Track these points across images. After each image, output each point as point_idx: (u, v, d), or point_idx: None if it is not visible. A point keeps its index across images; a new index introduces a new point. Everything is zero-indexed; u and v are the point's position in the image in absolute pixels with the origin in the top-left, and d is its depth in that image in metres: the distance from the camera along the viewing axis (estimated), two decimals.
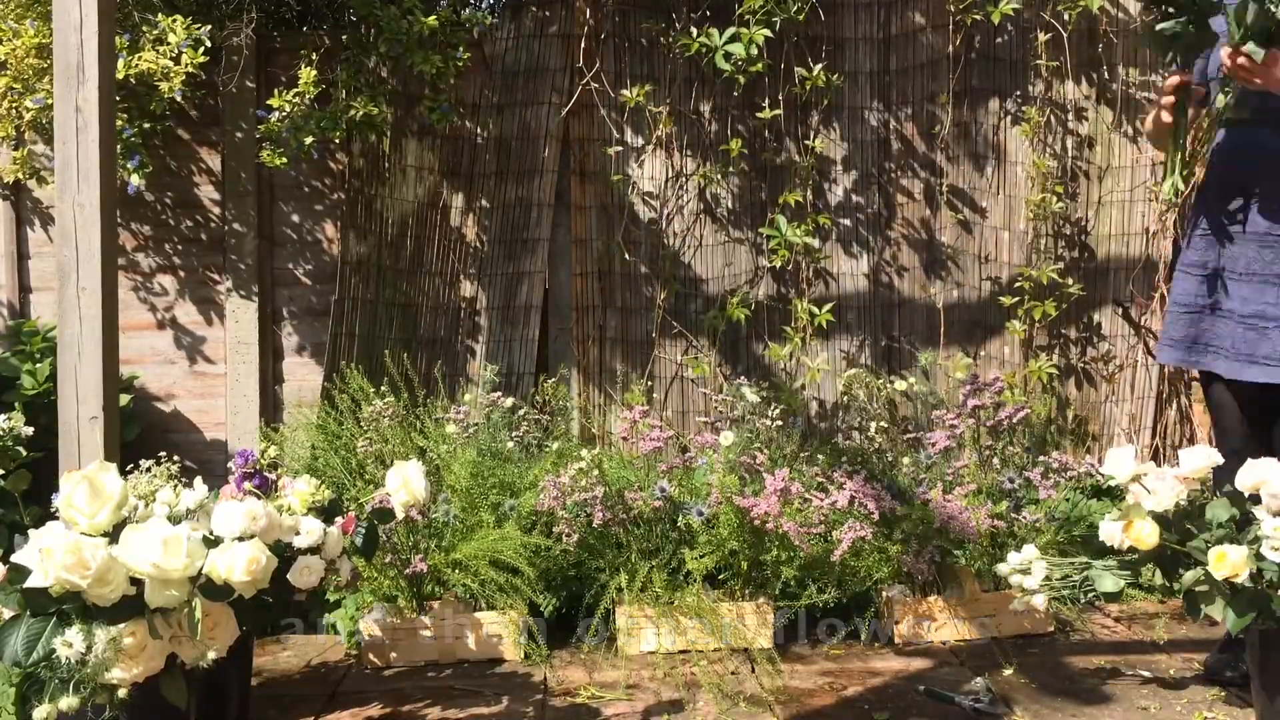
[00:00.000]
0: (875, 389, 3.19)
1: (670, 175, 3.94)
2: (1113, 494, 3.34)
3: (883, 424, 3.12)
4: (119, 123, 3.31)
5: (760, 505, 2.80)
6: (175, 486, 2.32)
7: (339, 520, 2.44)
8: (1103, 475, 2.64)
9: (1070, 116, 3.95)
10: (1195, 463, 2.40)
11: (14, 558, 2.04)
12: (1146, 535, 2.34)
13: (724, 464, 3.01)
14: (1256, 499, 2.28)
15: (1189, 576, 2.30)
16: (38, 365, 3.37)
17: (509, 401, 3.36)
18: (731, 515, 2.87)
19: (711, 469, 2.97)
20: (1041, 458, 3.41)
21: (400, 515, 2.69)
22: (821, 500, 2.89)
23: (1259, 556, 2.11)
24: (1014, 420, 3.10)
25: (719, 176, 3.91)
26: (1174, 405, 4.02)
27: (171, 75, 3.33)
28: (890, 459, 3.11)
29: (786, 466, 3.06)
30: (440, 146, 3.90)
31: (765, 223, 3.88)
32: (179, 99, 3.39)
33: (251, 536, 2.18)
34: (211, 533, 2.19)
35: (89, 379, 2.64)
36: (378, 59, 3.61)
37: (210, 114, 3.78)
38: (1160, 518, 2.34)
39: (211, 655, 2.14)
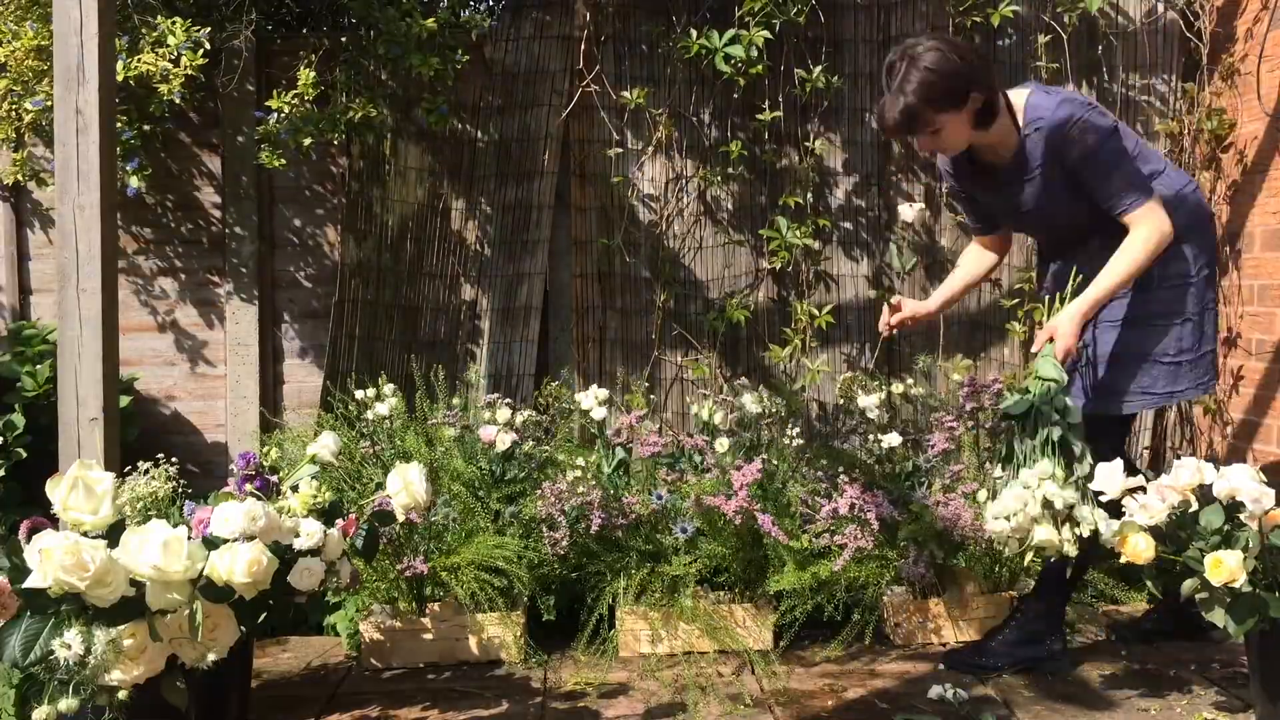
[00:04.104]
0: (874, 390, 3.18)
1: (670, 177, 3.94)
2: None
3: (881, 435, 3.10)
4: (118, 125, 3.31)
5: (731, 504, 2.78)
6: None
7: (339, 522, 2.44)
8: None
9: None
10: (1186, 473, 2.42)
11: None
12: (1142, 550, 2.35)
13: (719, 468, 3.01)
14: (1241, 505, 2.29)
15: (1187, 585, 2.31)
16: (38, 367, 3.37)
17: (508, 403, 3.36)
18: (713, 520, 2.87)
19: (691, 490, 2.94)
20: None
21: (401, 517, 2.69)
22: (825, 505, 2.89)
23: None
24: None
25: (719, 179, 3.91)
26: (1174, 408, 4.01)
27: (171, 77, 3.33)
28: (892, 466, 3.11)
29: (783, 467, 3.06)
30: (440, 148, 3.90)
31: (765, 225, 3.89)
32: (178, 101, 3.38)
33: (252, 538, 2.18)
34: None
35: (89, 380, 2.64)
36: (376, 61, 3.61)
37: (210, 116, 3.78)
38: (1154, 530, 2.35)
39: (212, 657, 2.14)
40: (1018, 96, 2.66)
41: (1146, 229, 2.54)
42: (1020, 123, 2.65)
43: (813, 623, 2.89)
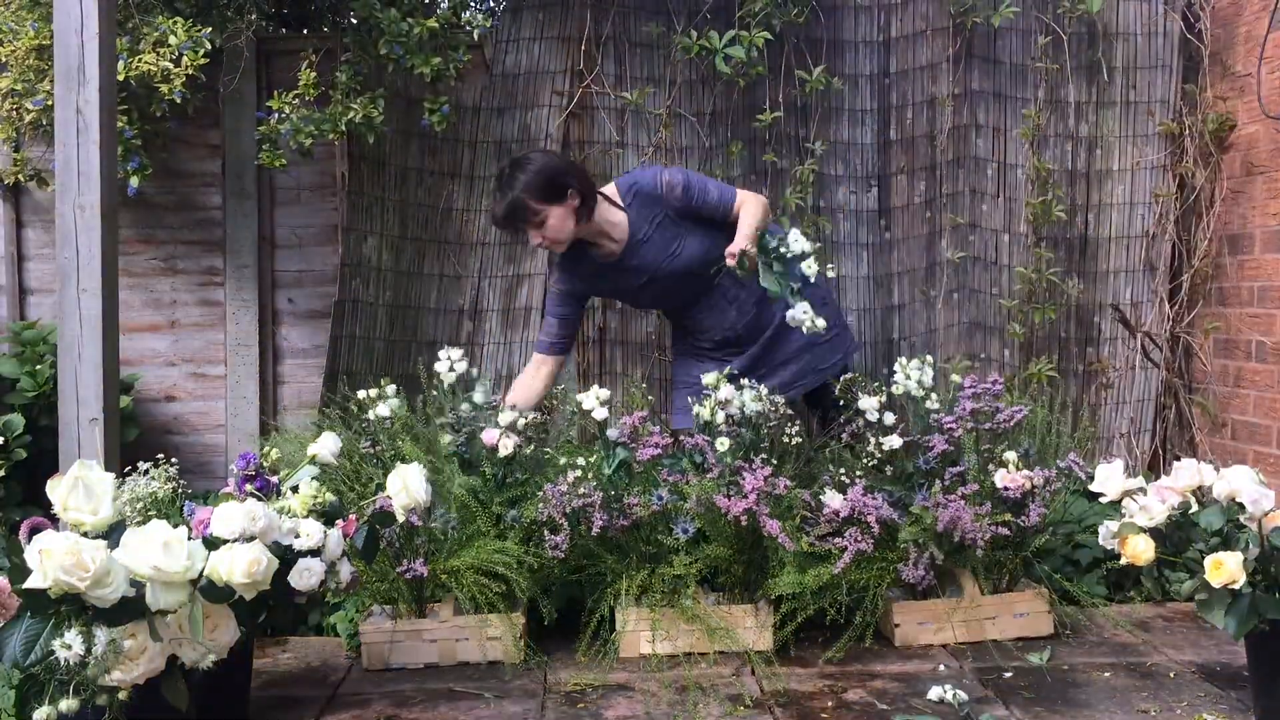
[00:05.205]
0: (874, 392, 3.18)
1: None
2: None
3: (882, 437, 3.10)
4: (119, 125, 3.31)
5: (737, 505, 2.78)
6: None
7: (339, 523, 2.44)
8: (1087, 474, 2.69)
9: (1070, 119, 3.95)
10: (1186, 475, 2.42)
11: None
12: (1142, 551, 2.35)
13: (720, 467, 3.00)
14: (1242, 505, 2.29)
15: (1188, 586, 2.31)
16: (38, 367, 3.37)
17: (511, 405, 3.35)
18: (714, 520, 2.86)
19: (693, 491, 2.93)
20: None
21: (400, 518, 2.69)
22: (826, 507, 2.89)
23: None
24: (1012, 422, 3.10)
25: (719, 179, 3.91)
26: (1173, 409, 4.02)
27: (172, 77, 3.32)
28: (892, 468, 3.10)
29: (785, 469, 3.05)
30: (441, 149, 3.90)
31: None
32: (179, 101, 3.38)
33: (252, 538, 2.18)
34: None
35: (89, 381, 2.64)
36: (377, 61, 3.61)
37: (211, 116, 3.78)
38: (1154, 531, 2.35)
39: (212, 657, 2.15)
40: (605, 188, 3.22)
41: (752, 201, 3.18)
42: (620, 203, 3.18)
43: (812, 623, 2.89)
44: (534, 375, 3.33)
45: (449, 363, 3.20)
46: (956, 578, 3.04)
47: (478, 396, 3.15)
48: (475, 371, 3.80)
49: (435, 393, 3.25)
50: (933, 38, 3.93)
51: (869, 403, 3.08)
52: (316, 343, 3.86)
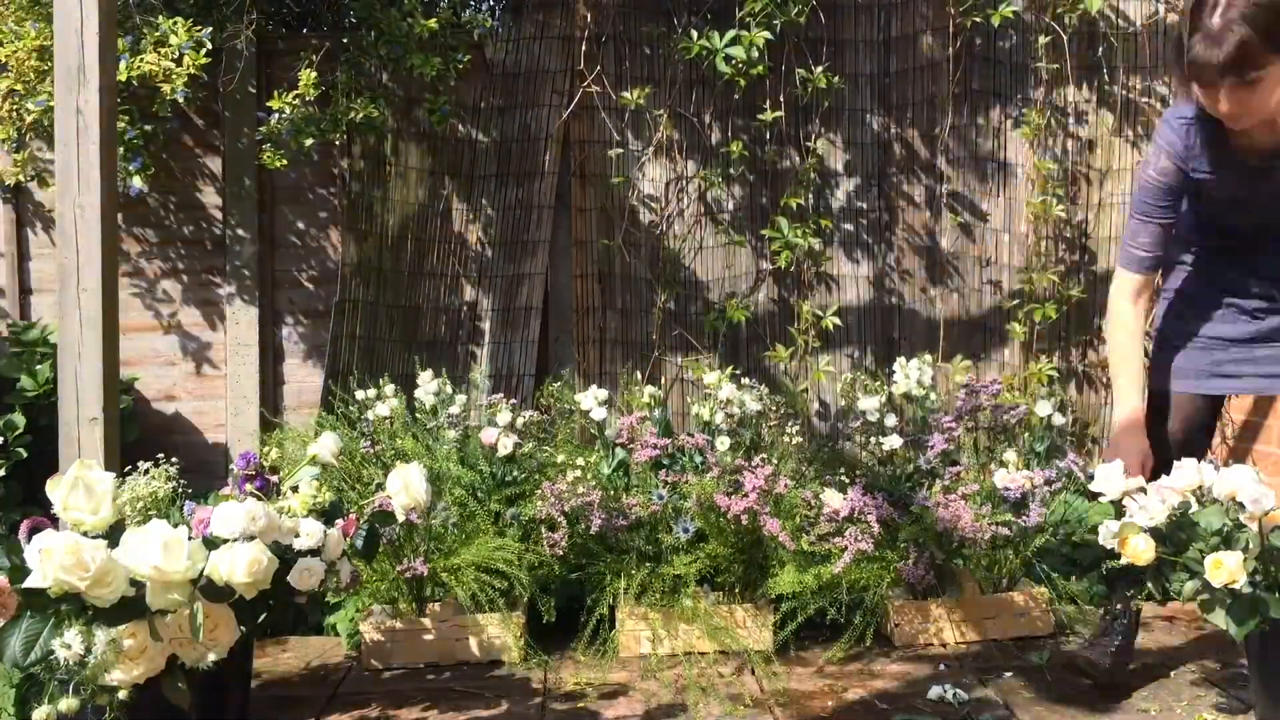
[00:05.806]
0: (875, 392, 3.18)
1: (671, 178, 3.95)
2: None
3: (882, 437, 3.10)
4: (121, 125, 3.31)
5: (738, 504, 2.78)
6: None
7: (339, 522, 2.44)
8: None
9: (1071, 120, 3.95)
10: (1186, 474, 2.41)
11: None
12: (1142, 551, 2.35)
13: (720, 467, 3.01)
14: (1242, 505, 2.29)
15: (1189, 587, 2.31)
16: (38, 367, 3.37)
17: (511, 405, 3.35)
18: (714, 520, 2.86)
19: (692, 490, 2.93)
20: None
21: (401, 518, 2.69)
22: (827, 507, 2.89)
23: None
24: (1012, 421, 3.10)
25: (720, 179, 3.91)
26: None
27: (173, 77, 3.33)
28: (892, 468, 3.10)
29: (784, 468, 3.06)
30: (441, 149, 3.90)
31: (766, 226, 3.89)
32: (181, 101, 3.38)
33: (252, 538, 2.18)
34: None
35: (89, 381, 2.64)
36: (377, 61, 3.61)
37: (212, 117, 3.79)
38: (1154, 531, 2.35)
39: (212, 657, 2.14)
40: None
41: None
42: None
43: (812, 623, 2.89)
44: (1136, 314, 2.51)
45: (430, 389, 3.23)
46: (956, 577, 3.04)
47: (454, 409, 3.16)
48: (476, 373, 3.81)
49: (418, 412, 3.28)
50: (933, 37, 3.93)
51: (870, 403, 3.08)
52: (316, 343, 3.86)
